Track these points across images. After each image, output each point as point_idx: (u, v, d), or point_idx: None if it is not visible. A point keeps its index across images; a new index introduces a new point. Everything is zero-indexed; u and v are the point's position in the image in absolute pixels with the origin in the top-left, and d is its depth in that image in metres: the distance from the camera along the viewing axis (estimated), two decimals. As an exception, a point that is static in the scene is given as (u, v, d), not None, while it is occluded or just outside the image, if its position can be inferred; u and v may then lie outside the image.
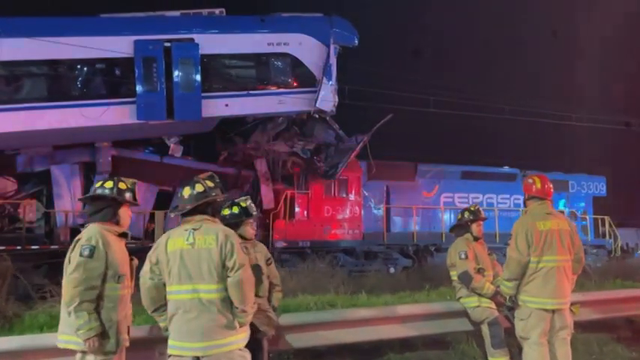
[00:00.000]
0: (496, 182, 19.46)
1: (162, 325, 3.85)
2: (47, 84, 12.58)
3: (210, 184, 3.93)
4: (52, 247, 13.17)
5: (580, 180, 21.42)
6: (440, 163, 18.88)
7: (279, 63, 14.57)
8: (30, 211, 13.49)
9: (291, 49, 14.48)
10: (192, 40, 13.51)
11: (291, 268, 12.08)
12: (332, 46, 14.73)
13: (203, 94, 13.58)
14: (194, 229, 3.71)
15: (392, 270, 16.63)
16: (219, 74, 14.11)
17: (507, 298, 4.99)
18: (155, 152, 15.21)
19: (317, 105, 14.70)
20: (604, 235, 20.89)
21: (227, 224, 4.58)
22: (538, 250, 4.76)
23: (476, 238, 5.86)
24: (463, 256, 5.61)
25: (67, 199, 13.59)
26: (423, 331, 5.43)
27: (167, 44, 13.22)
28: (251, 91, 14.26)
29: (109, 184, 4.11)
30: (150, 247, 13.63)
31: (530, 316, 4.74)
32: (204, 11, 14.20)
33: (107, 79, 13.04)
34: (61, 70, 12.62)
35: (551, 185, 5.11)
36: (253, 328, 4.40)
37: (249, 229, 4.75)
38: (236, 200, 4.81)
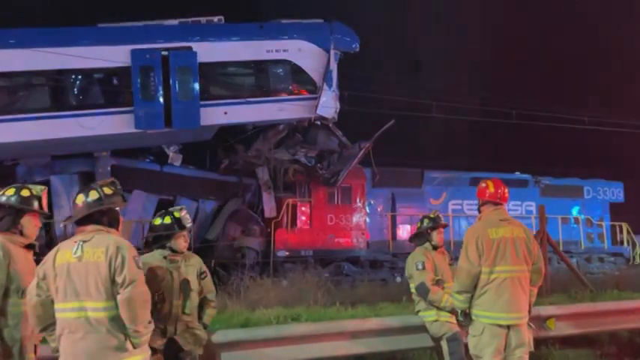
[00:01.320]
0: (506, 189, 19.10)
1: (52, 345, 3.51)
2: (44, 94, 12.74)
3: (107, 191, 3.62)
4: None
5: (596, 185, 20.92)
6: (448, 170, 18.60)
7: (279, 70, 14.54)
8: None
9: (290, 56, 14.44)
10: (190, 48, 13.57)
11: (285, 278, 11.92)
12: (332, 52, 14.66)
13: (201, 102, 13.61)
14: (83, 241, 3.43)
15: (398, 279, 16.35)
16: (217, 82, 14.14)
17: (459, 312, 4.65)
18: (155, 161, 15.23)
19: (318, 112, 14.63)
20: (622, 243, 20.35)
21: (158, 235, 4.48)
22: (490, 259, 4.45)
23: (435, 247, 5.62)
24: (420, 267, 5.34)
25: (67, 209, 13.64)
26: (375, 347, 5.12)
27: (165, 53, 13.30)
28: (250, 99, 14.25)
29: (10, 191, 3.79)
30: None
31: (483, 333, 4.40)
32: (203, 19, 14.25)
33: (105, 89, 13.17)
34: (59, 80, 12.76)
35: (506, 189, 4.83)
36: (176, 347, 4.30)
37: (182, 241, 4.52)
38: (170, 210, 4.63)
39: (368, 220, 16.96)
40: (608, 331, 6.19)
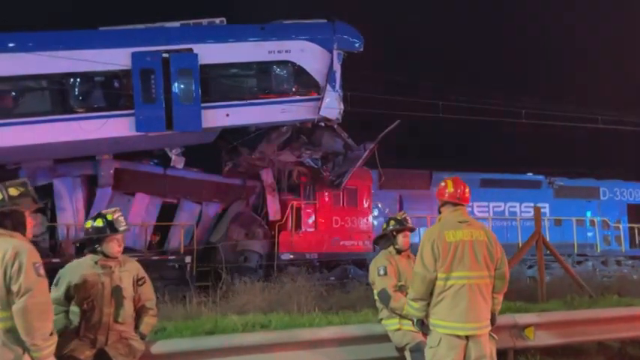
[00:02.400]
0: (519, 190, 18.77)
1: None
2: (46, 98, 12.85)
3: (13, 192, 3.45)
4: (54, 260, 13.30)
5: (613, 186, 20.42)
6: (457, 171, 18.25)
7: (281, 71, 14.44)
8: (34, 225, 13.67)
9: (292, 57, 14.32)
10: (190, 50, 13.54)
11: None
12: (335, 52, 14.50)
13: (203, 105, 13.58)
14: None
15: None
16: (219, 84, 14.08)
17: (414, 321, 4.38)
18: (159, 164, 15.24)
19: (321, 113, 14.47)
20: (640, 245, 19.79)
21: (89, 239, 4.33)
22: (446, 264, 4.17)
23: (399, 251, 5.34)
24: (382, 272, 5.05)
25: (70, 212, 13.80)
26: (334, 358, 4.82)
27: (165, 55, 13.29)
28: (252, 101, 14.17)
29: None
30: (152, 261, 13.67)
31: (440, 344, 4.10)
32: (204, 21, 14.22)
33: (106, 92, 13.23)
34: (60, 83, 12.85)
35: (467, 189, 4.51)
36: (107, 358, 4.09)
37: (115, 245, 4.31)
38: (102, 212, 4.45)
39: (374, 222, 16.77)
40: (595, 341, 5.84)
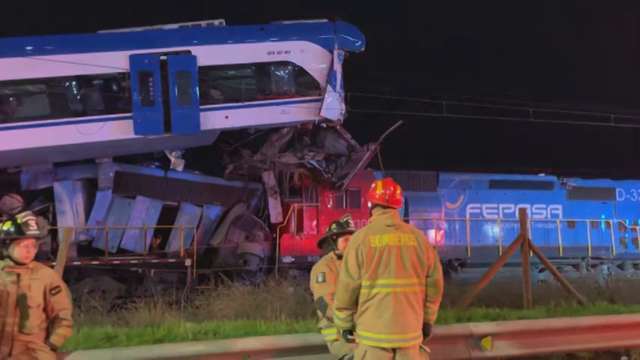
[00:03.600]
0: (530, 191, 18.30)
1: None
2: (43, 102, 12.95)
3: None
4: (53, 264, 13.38)
5: (629, 187, 19.78)
6: (465, 172, 17.92)
7: (281, 72, 14.34)
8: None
9: (292, 57, 14.23)
10: (188, 52, 13.54)
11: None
12: (336, 52, 14.38)
13: (201, 107, 13.56)
14: None
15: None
16: (217, 86, 14.06)
17: (341, 332, 4.10)
18: (161, 167, 15.26)
19: (322, 114, 14.36)
20: (660, 248, 19.12)
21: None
22: (371, 271, 3.91)
23: (340, 257, 5.04)
24: (320, 279, 4.70)
25: (70, 215, 13.86)
26: None
27: (163, 57, 13.28)
28: (252, 102, 14.12)
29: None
30: (152, 263, 13.59)
31: (365, 356, 3.87)
32: (203, 23, 14.18)
33: (103, 95, 13.30)
34: (57, 87, 12.96)
35: (398, 191, 4.26)
36: None
37: (23, 250, 4.11)
38: (14, 215, 4.25)
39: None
40: (562, 352, 5.48)
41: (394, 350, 3.86)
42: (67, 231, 7.86)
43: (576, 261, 18.13)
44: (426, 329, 4.07)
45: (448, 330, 4.71)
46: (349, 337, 4.05)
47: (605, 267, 18.40)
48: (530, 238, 16.73)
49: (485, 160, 19.50)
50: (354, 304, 3.98)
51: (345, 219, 5.18)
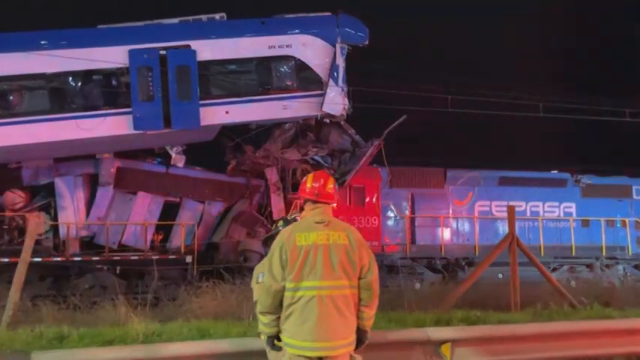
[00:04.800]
0: (542, 188, 17.82)
1: None
2: (43, 97, 12.96)
3: None
4: (55, 259, 13.44)
5: (647, 185, 19.05)
6: (475, 168, 17.51)
7: (282, 66, 14.15)
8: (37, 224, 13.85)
9: (294, 51, 14.02)
10: (188, 46, 13.42)
11: None
12: (338, 46, 14.14)
13: (201, 102, 13.45)
14: None
15: (418, 285, 15.53)
16: (217, 81, 13.94)
17: (264, 338, 3.80)
18: (163, 163, 15.18)
19: (324, 109, 14.15)
20: (679, 248, 18.45)
21: None
22: (295, 272, 3.59)
23: None
24: (260, 280, 4.19)
25: (71, 211, 13.91)
26: None
27: (163, 52, 13.19)
28: (253, 97, 13.96)
29: None
30: (151, 260, 13.37)
31: None
32: (204, 17, 14.05)
33: (103, 90, 13.28)
34: (57, 82, 12.97)
35: (330, 185, 3.92)
36: None
37: None
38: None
39: (387, 222, 16.27)
40: None
41: (320, 359, 3.56)
42: (34, 225, 7.72)
43: (590, 261, 17.59)
44: (361, 336, 3.77)
45: (403, 335, 4.42)
46: (275, 343, 3.75)
47: (620, 267, 17.84)
48: (542, 236, 16.84)
49: (495, 156, 19.01)
50: (277, 308, 3.69)
51: (293, 216, 4.91)
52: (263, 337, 3.78)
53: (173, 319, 5.88)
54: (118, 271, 13.57)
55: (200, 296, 7.92)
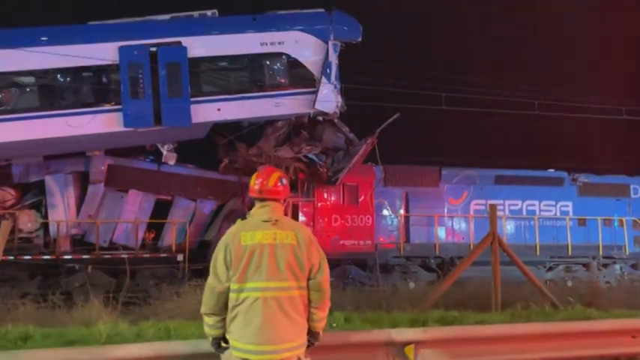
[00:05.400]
0: (539, 187, 17.67)
1: None
2: (32, 94, 12.90)
3: None
4: (45, 257, 13.40)
5: (646, 183, 18.88)
6: (470, 167, 17.38)
7: (274, 63, 14.07)
8: (28, 221, 13.83)
9: (286, 48, 13.93)
10: (179, 43, 13.32)
11: None
12: (331, 43, 14.03)
13: (192, 99, 13.38)
14: None
15: (412, 285, 15.43)
16: (209, 78, 13.88)
17: (211, 341, 3.68)
18: (155, 161, 15.12)
19: (316, 106, 14.05)
20: (678, 248, 18.29)
21: None
22: (240, 273, 3.48)
23: None
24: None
25: (61, 208, 13.84)
26: None
27: (153, 49, 13.10)
28: (245, 95, 13.86)
29: None
30: (144, 259, 13.37)
31: None
32: (196, 13, 13.97)
33: (93, 87, 13.22)
34: (46, 79, 12.93)
35: (273, 180, 3.77)
36: None
37: None
38: None
39: (382, 221, 16.15)
40: None
41: None
42: (4, 226, 7.67)
43: (587, 260, 17.46)
44: (312, 338, 3.67)
45: (366, 337, 4.30)
46: (221, 345, 3.63)
47: (617, 266, 17.70)
48: (538, 235, 16.70)
49: (491, 154, 18.87)
50: (222, 309, 3.57)
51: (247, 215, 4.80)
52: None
53: (149, 319, 5.80)
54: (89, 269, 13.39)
55: (182, 296, 7.84)
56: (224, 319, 3.59)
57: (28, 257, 13.20)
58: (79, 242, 14.25)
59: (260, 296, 3.46)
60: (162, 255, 14.08)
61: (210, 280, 3.58)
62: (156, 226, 15.00)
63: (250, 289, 3.47)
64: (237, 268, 3.49)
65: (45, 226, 14.08)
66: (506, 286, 9.00)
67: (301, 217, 15.19)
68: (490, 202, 17.19)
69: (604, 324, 5.12)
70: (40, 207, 14.26)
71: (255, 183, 3.78)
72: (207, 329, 3.68)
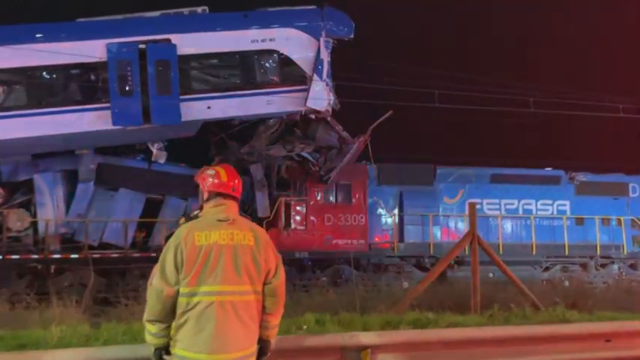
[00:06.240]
0: (535, 186, 17.50)
1: None
2: (19, 92, 12.81)
3: None
4: (33, 256, 13.33)
5: (644, 182, 18.67)
6: (466, 165, 17.23)
7: (265, 60, 13.95)
8: (17, 220, 13.75)
9: (277, 45, 13.81)
10: (168, 40, 13.22)
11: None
12: (323, 40, 13.88)
13: (182, 97, 13.28)
14: None
15: (406, 284, 15.28)
16: (199, 75, 13.80)
17: (153, 350, 3.34)
18: (145, 159, 15.02)
19: (308, 104, 13.91)
20: (676, 247, 18.08)
21: None
22: (192, 276, 3.20)
23: None
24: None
25: (50, 207, 13.76)
26: None
27: (142, 46, 13.01)
28: (235, 92, 13.76)
29: None
30: (134, 258, 13.24)
31: None
32: (186, 10, 13.86)
33: (81, 85, 13.11)
34: (34, 77, 12.85)
35: (236, 180, 3.56)
36: None
37: None
38: None
39: (375, 220, 16.01)
40: None
41: None
42: None
43: (584, 260, 17.28)
44: (263, 346, 3.44)
45: (319, 341, 4.12)
46: (163, 356, 3.32)
47: (615, 266, 17.51)
48: (534, 235, 16.53)
49: (487, 153, 18.73)
50: (168, 315, 3.26)
51: (195, 213, 4.60)
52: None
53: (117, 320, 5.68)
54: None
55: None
56: (169, 327, 3.30)
57: (17, 257, 13.13)
58: (70, 242, 14.19)
59: (215, 300, 3.20)
60: (153, 254, 13.95)
61: (157, 283, 3.26)
62: (147, 225, 14.90)
63: (204, 293, 3.20)
64: (190, 270, 3.21)
65: (34, 225, 14.01)
66: (498, 286, 8.89)
67: (294, 216, 15.09)
68: (486, 200, 17.19)
69: (576, 327, 4.94)
70: (30, 206, 14.17)
71: (213, 178, 3.52)
72: (149, 338, 3.35)
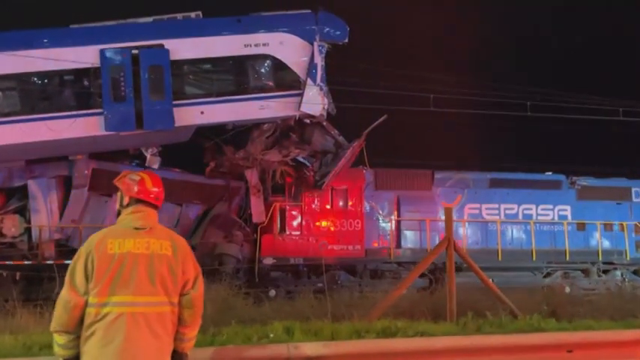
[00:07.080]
0: (536, 191, 17.31)
1: None
2: (13, 98, 12.86)
3: None
4: (26, 262, 13.35)
5: (647, 187, 18.40)
6: (464, 170, 17.09)
7: (259, 65, 13.96)
8: (12, 226, 13.80)
9: (271, 50, 13.81)
10: (161, 45, 13.25)
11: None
12: (317, 44, 13.87)
13: (175, 102, 13.32)
14: None
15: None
16: (192, 80, 13.83)
17: None
18: (140, 165, 15.02)
19: (302, 109, 13.88)
20: (681, 253, 17.78)
21: None
22: (103, 285, 3.07)
23: None
24: None
25: (44, 213, 13.78)
26: None
27: (135, 51, 13.04)
28: (229, 97, 13.77)
29: None
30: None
31: None
32: (179, 15, 13.89)
33: (74, 91, 13.16)
34: (26, 83, 12.89)
35: (159, 189, 3.43)
36: None
37: None
38: None
39: (372, 225, 15.90)
40: None
41: None
42: None
43: (586, 266, 17.04)
44: (178, 359, 3.32)
45: (261, 352, 4.03)
46: None
47: (618, 272, 17.26)
48: (534, 241, 16.32)
49: (485, 157, 18.57)
50: (77, 326, 3.15)
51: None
52: None
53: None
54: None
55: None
56: (78, 338, 3.17)
57: (10, 263, 13.17)
58: (64, 247, 14.20)
59: (126, 312, 3.09)
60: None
61: (65, 292, 3.14)
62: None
63: (115, 304, 3.09)
64: (101, 279, 3.09)
65: (29, 231, 14.05)
66: (490, 293, 8.72)
67: (289, 221, 15.04)
68: (485, 205, 17.02)
69: (537, 338, 4.81)
70: (25, 212, 14.22)
71: (133, 184, 3.37)
72: (57, 349, 3.25)
